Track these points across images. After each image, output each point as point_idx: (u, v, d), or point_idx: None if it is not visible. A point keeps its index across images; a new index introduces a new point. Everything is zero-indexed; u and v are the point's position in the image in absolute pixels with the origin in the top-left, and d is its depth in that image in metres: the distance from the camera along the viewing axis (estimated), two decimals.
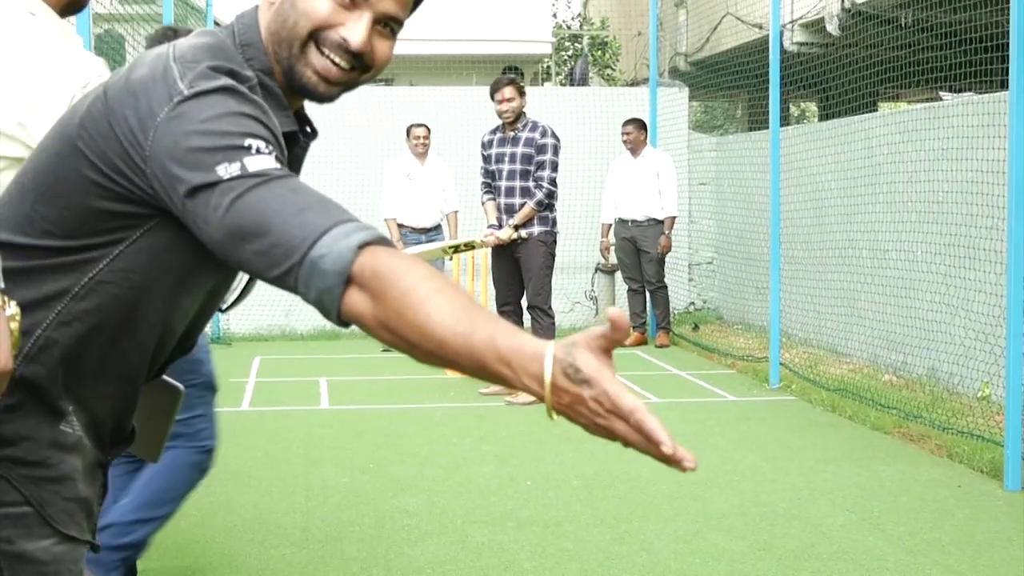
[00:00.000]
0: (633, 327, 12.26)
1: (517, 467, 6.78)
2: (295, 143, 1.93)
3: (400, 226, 11.66)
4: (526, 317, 9.03)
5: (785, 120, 10.38)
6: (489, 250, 9.19)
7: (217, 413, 4.43)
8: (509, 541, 5.36)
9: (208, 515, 5.79)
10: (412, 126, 11.75)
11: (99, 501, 1.91)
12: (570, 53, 22.35)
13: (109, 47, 10.54)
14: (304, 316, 12.76)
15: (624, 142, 12.07)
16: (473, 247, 9.50)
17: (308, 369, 10.51)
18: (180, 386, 2.03)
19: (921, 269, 9.17)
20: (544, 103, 13.17)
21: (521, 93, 8.98)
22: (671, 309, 13.20)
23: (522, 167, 8.85)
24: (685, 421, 8.14)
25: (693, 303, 13.85)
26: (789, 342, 10.86)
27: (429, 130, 11.74)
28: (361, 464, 6.85)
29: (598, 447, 7.27)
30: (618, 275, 12.64)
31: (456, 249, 9.94)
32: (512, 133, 8.95)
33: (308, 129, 2.01)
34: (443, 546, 5.29)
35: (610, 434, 1.48)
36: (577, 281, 13.18)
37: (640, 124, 12.07)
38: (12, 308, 1.64)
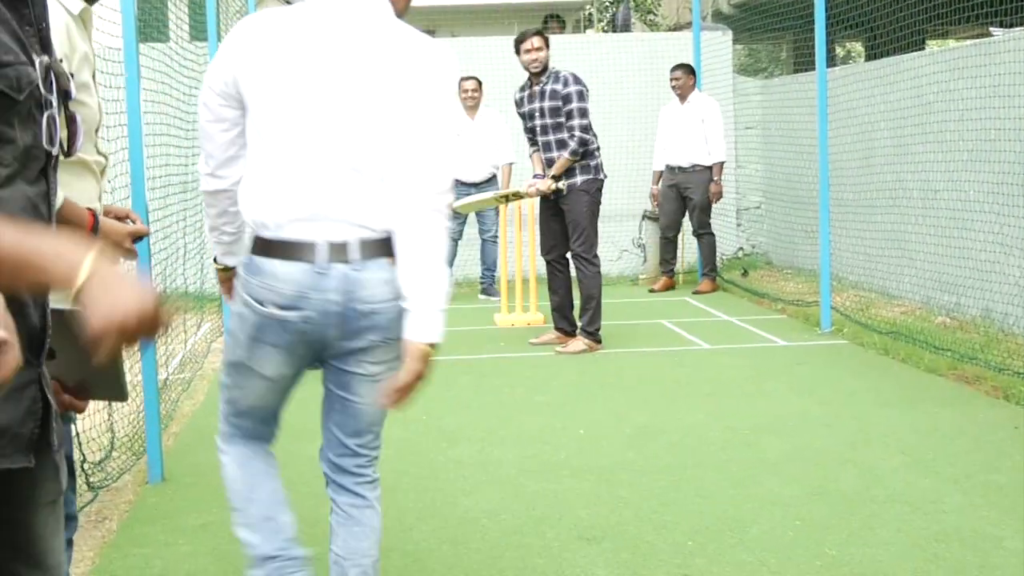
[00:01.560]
0: (662, 272, 12.25)
1: (569, 416, 6.78)
2: None
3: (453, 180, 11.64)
4: (572, 266, 9.01)
5: (830, 61, 10.25)
6: (537, 200, 9.16)
7: None
8: (563, 490, 5.37)
9: None
10: (461, 79, 11.70)
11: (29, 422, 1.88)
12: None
13: (152, 6, 10.54)
14: None
15: (673, 87, 12.00)
16: (520, 197, 9.50)
17: None
18: (65, 306, 1.95)
19: (973, 208, 9.08)
20: (586, 50, 13.09)
21: (547, 44, 8.93)
22: (720, 255, 13.17)
23: (553, 120, 8.80)
24: (736, 367, 8.12)
25: (742, 248, 13.78)
26: (839, 285, 10.78)
27: (480, 82, 11.69)
28: (414, 416, 6.86)
29: (651, 395, 7.28)
30: None
31: (505, 198, 9.94)
32: (538, 87, 8.88)
33: None
34: (497, 496, 5.31)
35: None
36: (624, 229, 13.13)
37: (689, 69, 11.99)
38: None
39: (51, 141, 1.98)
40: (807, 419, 6.58)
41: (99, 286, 1.66)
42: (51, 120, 1.98)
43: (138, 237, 3.22)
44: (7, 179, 1.85)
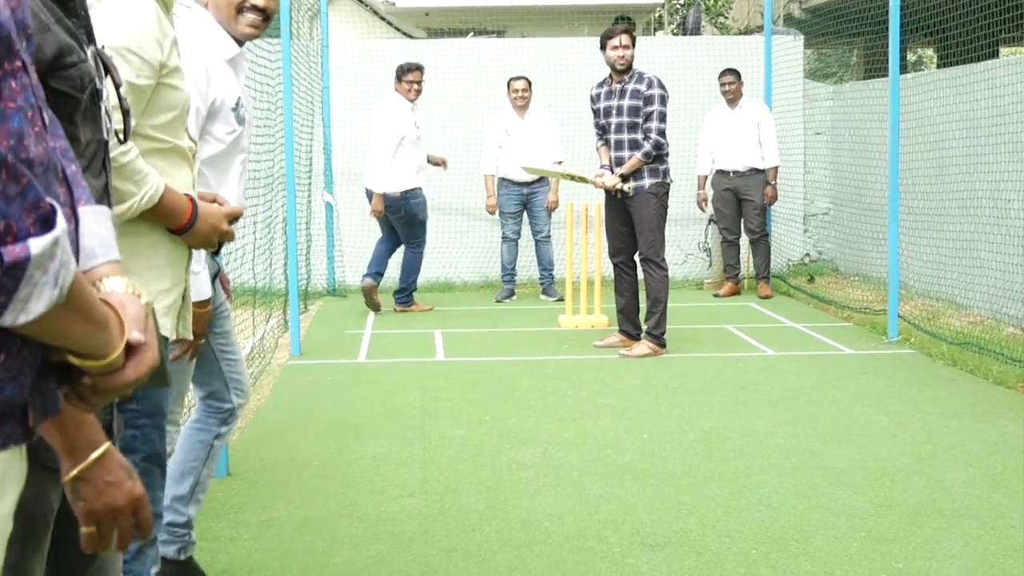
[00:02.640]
0: (727, 278, 12.21)
1: (633, 420, 6.77)
2: None
3: (503, 180, 11.66)
4: (639, 269, 8.99)
5: (902, 66, 10.15)
6: (602, 202, 9.14)
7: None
8: (626, 494, 5.36)
9: (328, 466, 5.87)
10: (512, 79, 11.72)
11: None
12: (682, 2, 22.09)
13: None
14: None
15: (724, 92, 11.98)
16: (584, 180, 9.47)
17: (423, 321, 10.58)
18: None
19: None
20: (656, 53, 13.05)
21: (634, 43, 8.90)
22: (787, 260, 13.10)
23: (630, 119, 8.78)
24: (802, 374, 8.06)
25: (808, 254, 13.68)
26: (907, 294, 10.68)
27: (529, 83, 11.69)
28: (477, 416, 6.89)
29: (715, 400, 7.24)
30: None
31: (571, 177, 9.93)
32: (619, 85, 8.86)
33: None
34: (560, 499, 5.30)
35: None
36: (690, 232, 13.09)
37: (738, 74, 11.97)
38: (146, 296, 1.68)
39: (106, 131, 2.01)
40: (873, 429, 6.52)
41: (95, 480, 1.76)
42: (106, 110, 2.01)
43: (235, 218, 3.25)
44: None
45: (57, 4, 1.91)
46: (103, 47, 2.13)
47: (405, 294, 11.22)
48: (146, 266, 3.01)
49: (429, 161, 11.24)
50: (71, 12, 1.94)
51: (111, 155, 2.72)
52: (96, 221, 1.68)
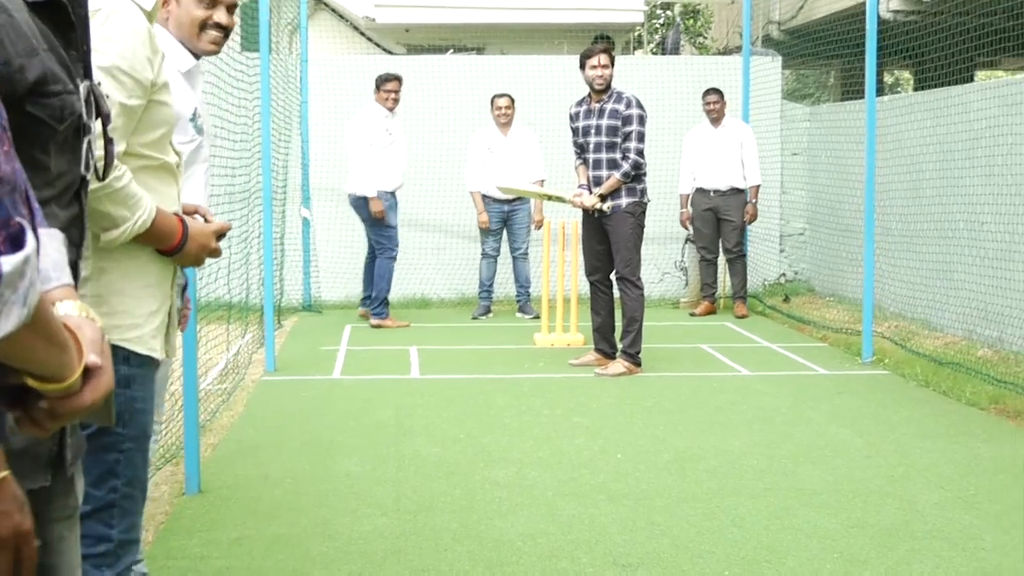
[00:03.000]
0: (703, 297, 12.24)
1: (608, 439, 6.77)
2: (58, 7, 1.91)
3: (484, 197, 11.68)
4: (615, 288, 8.99)
5: (879, 88, 10.21)
6: (579, 220, 9.16)
7: None
8: (600, 514, 5.35)
9: (301, 483, 5.85)
10: (495, 96, 11.76)
11: None
12: (662, 21, 22.18)
13: None
14: (394, 285, 12.79)
15: (708, 112, 12.02)
16: (563, 200, 9.49)
17: (398, 338, 10.56)
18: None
19: (1019, 242, 9.01)
20: (636, 72, 13.09)
21: (612, 62, 8.91)
22: (762, 280, 13.14)
23: (608, 139, 8.79)
24: (777, 395, 8.08)
25: (784, 274, 13.72)
26: (882, 315, 10.72)
27: (512, 100, 11.72)
28: (452, 434, 6.88)
29: (690, 420, 7.25)
30: None
31: (549, 197, 9.95)
32: (598, 104, 8.88)
33: None
34: (534, 518, 5.30)
35: None
36: (667, 251, 13.11)
37: (722, 93, 12.01)
38: (100, 320, 1.68)
39: (87, 166, 2.00)
40: (847, 449, 6.54)
41: None
42: (89, 145, 2.00)
43: (221, 234, 3.26)
44: (39, 203, 1.87)
45: (58, 35, 1.90)
46: (99, 83, 2.13)
47: (377, 303, 11.27)
48: (137, 287, 3.00)
49: None
50: (71, 44, 1.94)
51: (93, 187, 2.73)
52: (49, 244, 1.68)
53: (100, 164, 2.23)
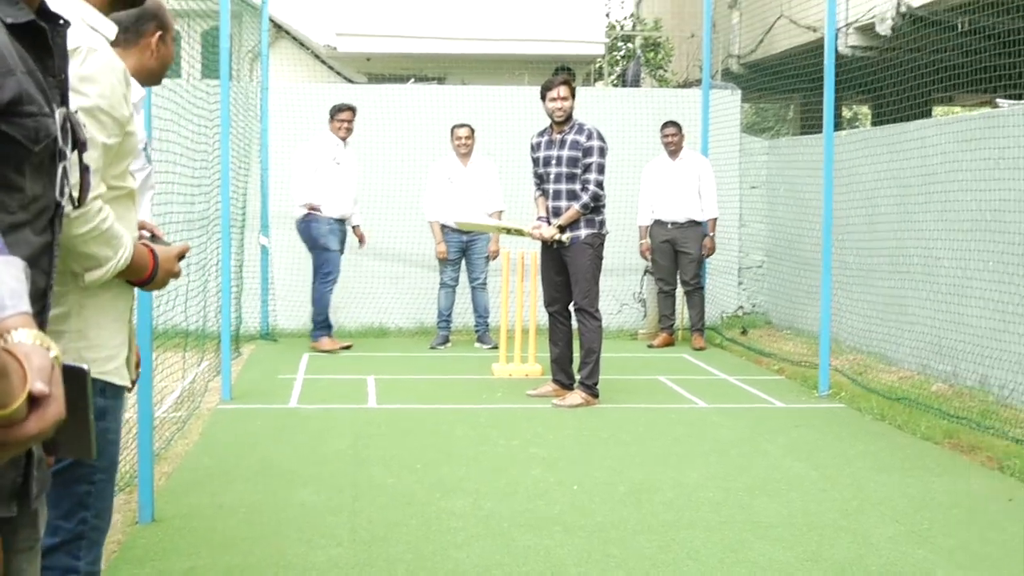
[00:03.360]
0: (661, 328, 12.27)
1: (564, 471, 6.76)
2: (38, 32, 1.93)
3: (443, 227, 11.71)
4: (574, 319, 9.00)
5: (837, 123, 10.29)
6: (538, 251, 9.18)
7: None
8: (555, 546, 5.35)
9: (256, 513, 5.81)
10: (455, 126, 11.80)
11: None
12: (622, 54, 22.28)
13: None
14: (351, 313, 12.79)
15: (666, 144, 12.08)
16: (521, 233, 9.51)
17: (355, 367, 10.53)
18: (84, 365, 1.93)
19: (974, 277, 9.08)
20: (596, 104, 13.14)
21: (573, 94, 8.94)
22: (720, 312, 13.19)
23: (568, 169, 8.81)
24: (733, 427, 8.10)
25: (742, 307, 13.78)
26: (838, 348, 10.78)
27: (472, 130, 11.77)
28: (408, 464, 6.86)
29: (646, 452, 7.26)
30: None
31: (507, 231, 9.97)
32: (560, 135, 8.90)
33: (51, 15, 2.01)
34: (489, 549, 5.28)
35: None
36: (625, 283, 13.15)
37: (679, 126, 12.08)
38: (55, 349, 1.66)
39: (61, 192, 1.99)
40: (802, 483, 6.56)
41: None
42: (64, 172, 1.99)
43: (181, 256, 3.28)
44: (12, 227, 1.86)
45: (36, 60, 1.90)
46: (76, 111, 2.12)
47: (315, 325, 11.50)
48: (110, 320, 3.01)
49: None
50: (49, 70, 1.94)
51: (81, 230, 2.72)
52: (7, 272, 1.66)
53: (76, 192, 2.22)
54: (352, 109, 11.43)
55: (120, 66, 2.92)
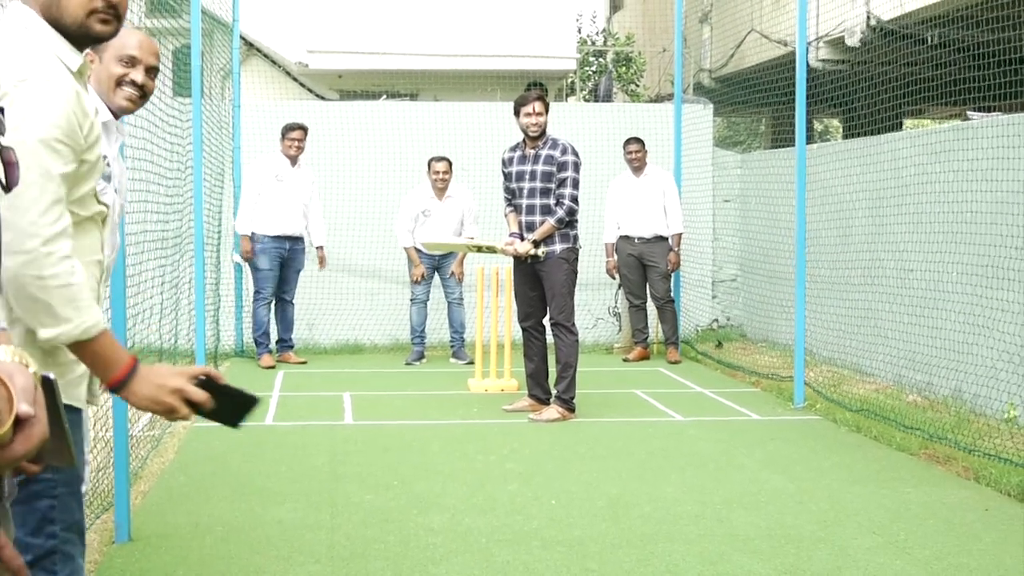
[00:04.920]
0: (636, 343, 12.29)
1: (542, 485, 6.76)
2: None
3: (418, 250, 11.73)
4: (549, 334, 9.00)
5: (809, 136, 10.34)
6: (511, 266, 9.18)
7: None
8: (534, 560, 5.34)
9: (233, 531, 5.79)
10: (432, 159, 11.78)
11: None
12: (594, 69, 22.34)
13: None
14: (327, 330, 12.77)
15: (630, 161, 12.10)
16: (494, 251, 9.49)
17: (331, 384, 10.50)
18: (51, 374, 1.91)
19: (947, 289, 9.13)
20: (568, 119, 13.18)
21: (547, 109, 8.95)
22: (695, 326, 13.22)
23: (543, 185, 8.82)
24: (710, 440, 8.11)
25: (717, 320, 13.82)
26: (813, 361, 10.81)
27: (450, 164, 11.73)
28: (385, 481, 6.84)
29: (623, 466, 7.26)
30: None
31: (479, 249, 9.96)
32: (533, 150, 8.91)
33: None
34: (467, 565, 5.27)
35: None
36: (600, 297, 13.17)
37: (642, 142, 12.12)
38: (33, 365, 1.65)
39: None
40: (779, 495, 6.57)
41: None
42: None
43: (196, 379, 2.99)
44: None
45: None
46: (11, 148, 2.10)
47: (258, 346, 11.67)
48: None
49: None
50: None
51: (44, 273, 2.66)
52: None
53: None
54: (303, 128, 11.51)
55: (73, 93, 2.85)
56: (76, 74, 2.94)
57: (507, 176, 9.05)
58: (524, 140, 8.98)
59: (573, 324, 8.87)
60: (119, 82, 4.12)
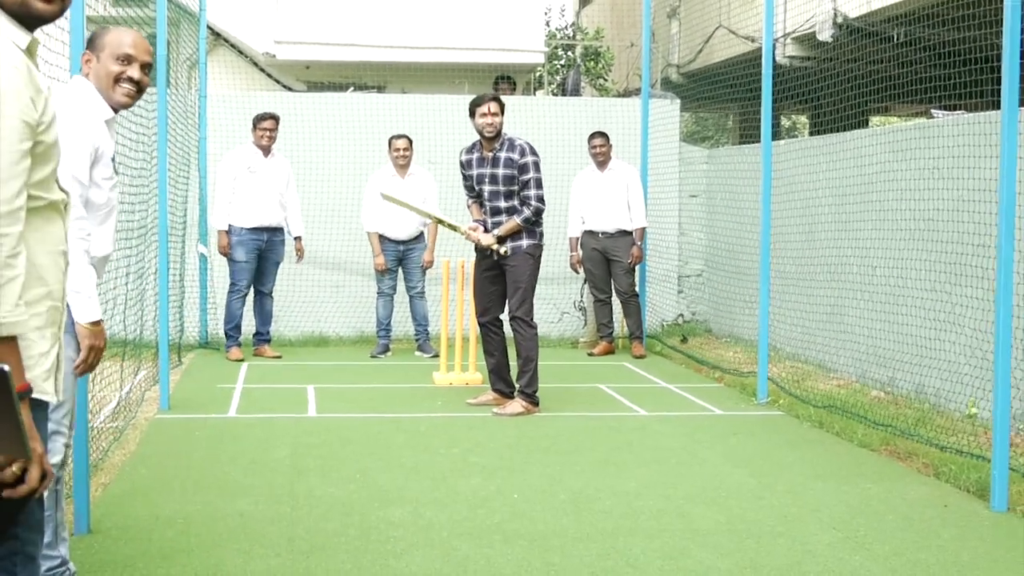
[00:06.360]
0: (600, 337, 12.31)
1: (504, 479, 6.76)
2: None
3: (382, 237, 11.70)
4: (507, 327, 8.99)
5: (776, 132, 10.37)
6: (473, 259, 9.16)
7: None
8: (495, 555, 5.34)
9: (193, 524, 5.77)
10: (393, 137, 11.79)
11: None
12: (563, 63, 22.34)
13: None
14: (291, 322, 12.74)
15: (595, 155, 12.09)
16: (456, 229, 9.42)
17: (295, 376, 10.48)
18: (4, 366, 1.90)
19: (910, 286, 9.18)
20: (535, 112, 13.19)
21: (503, 109, 8.91)
22: (660, 321, 13.24)
23: (505, 188, 8.79)
24: (673, 435, 8.14)
25: (682, 315, 13.85)
26: (777, 356, 10.86)
27: (410, 141, 11.75)
28: (348, 474, 6.83)
29: (586, 460, 7.27)
30: None
31: (441, 222, 9.87)
32: (491, 152, 8.86)
33: None
34: (429, 559, 5.27)
35: None
36: (565, 291, 13.18)
37: (607, 136, 12.12)
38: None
39: None
40: (740, 490, 6.60)
41: None
42: None
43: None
44: None
45: None
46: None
47: (227, 338, 11.64)
48: (31, 327, 2.92)
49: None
50: None
51: None
52: None
53: None
54: (275, 118, 11.48)
55: (24, 67, 2.83)
56: (26, 52, 2.91)
57: (467, 178, 9.02)
58: (480, 141, 8.94)
59: (532, 319, 8.86)
60: (117, 79, 4.44)
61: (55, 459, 4.14)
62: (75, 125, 4.29)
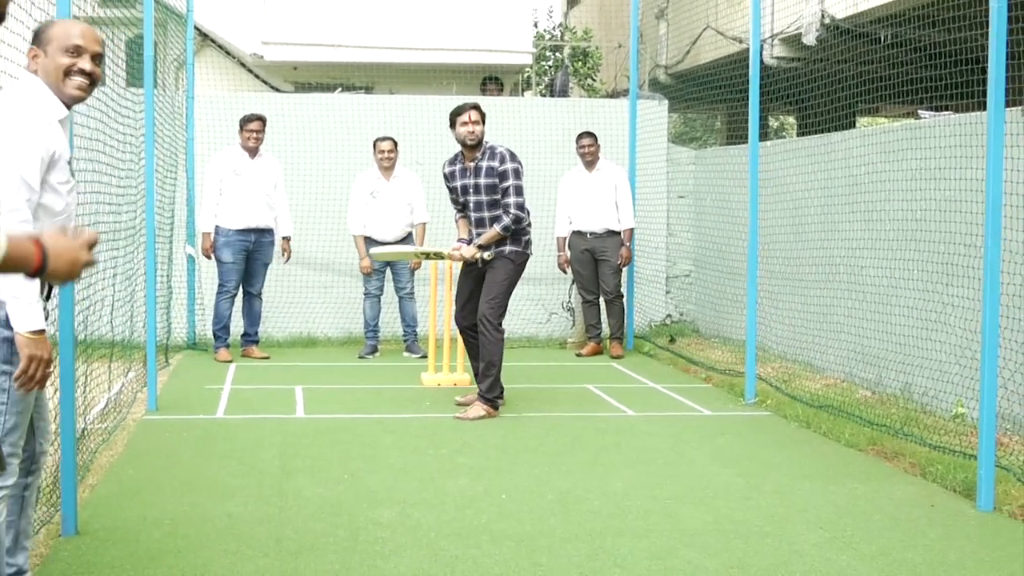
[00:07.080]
0: (588, 338, 12.32)
1: (492, 480, 6.77)
2: None
3: (368, 239, 11.70)
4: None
5: (764, 133, 10.38)
6: (459, 264, 9.16)
7: None
8: (483, 555, 5.35)
9: (181, 525, 5.76)
10: (378, 139, 11.80)
11: None
12: (551, 63, 22.35)
13: None
14: (280, 323, 12.73)
15: (583, 155, 12.09)
16: (441, 257, 9.47)
17: (284, 377, 10.47)
18: None
19: (897, 286, 9.21)
20: (524, 113, 13.19)
21: (483, 118, 8.89)
22: (649, 321, 13.26)
23: (489, 197, 8.76)
24: (661, 435, 8.14)
25: (670, 315, 13.87)
26: (765, 356, 10.87)
27: (395, 143, 11.76)
28: (336, 475, 6.83)
29: (574, 461, 7.28)
30: None
31: (426, 255, 9.93)
32: (473, 163, 8.84)
33: None
34: (416, 559, 5.27)
35: None
36: (553, 292, 13.19)
37: (595, 136, 12.13)
38: None
39: None
40: (728, 491, 6.61)
41: None
42: None
43: (92, 244, 3.11)
44: None
45: None
46: None
47: (216, 339, 11.64)
48: None
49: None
50: None
51: None
52: None
53: None
54: (261, 119, 11.49)
55: None
56: None
57: (452, 190, 9.01)
58: (462, 152, 8.93)
59: (500, 323, 8.79)
60: (68, 72, 4.20)
61: (8, 481, 4.08)
62: (25, 127, 4.02)
